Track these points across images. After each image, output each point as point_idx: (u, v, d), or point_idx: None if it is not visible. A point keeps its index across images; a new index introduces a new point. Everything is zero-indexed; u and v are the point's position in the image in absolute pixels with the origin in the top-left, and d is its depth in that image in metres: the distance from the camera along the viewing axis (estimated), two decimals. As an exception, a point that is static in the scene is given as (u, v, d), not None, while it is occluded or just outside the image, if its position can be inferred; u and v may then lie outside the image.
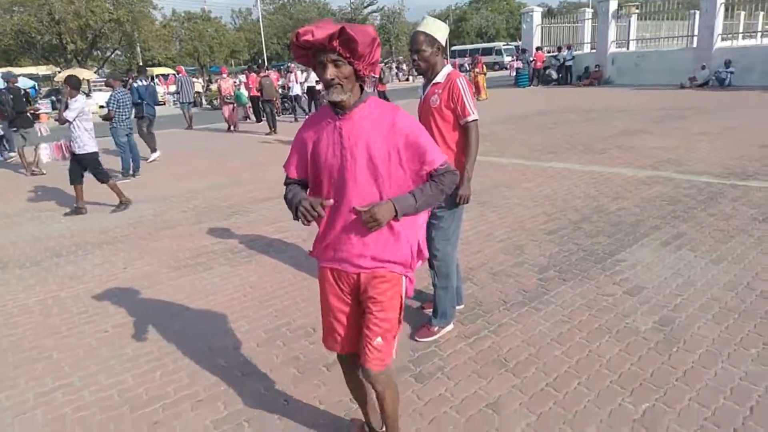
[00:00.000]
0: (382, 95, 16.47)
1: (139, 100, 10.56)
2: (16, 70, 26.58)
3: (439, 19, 3.27)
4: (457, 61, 37.44)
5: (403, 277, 2.10)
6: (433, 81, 3.13)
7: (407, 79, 33.14)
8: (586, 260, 4.39)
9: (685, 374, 2.80)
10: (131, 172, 9.38)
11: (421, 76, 3.25)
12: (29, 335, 3.81)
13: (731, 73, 17.50)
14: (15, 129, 10.52)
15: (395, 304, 2.09)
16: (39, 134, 11.52)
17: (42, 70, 28.19)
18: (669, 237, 4.75)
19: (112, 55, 44.29)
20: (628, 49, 22.23)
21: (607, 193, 6.27)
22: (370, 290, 2.06)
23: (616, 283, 3.93)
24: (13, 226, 6.81)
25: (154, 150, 10.97)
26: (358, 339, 2.12)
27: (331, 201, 2.01)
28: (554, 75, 23.30)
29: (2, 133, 11.40)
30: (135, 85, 10.67)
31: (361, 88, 1.98)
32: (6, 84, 10.77)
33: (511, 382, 2.86)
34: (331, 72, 1.86)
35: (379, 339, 2.05)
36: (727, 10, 19.04)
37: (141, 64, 20.08)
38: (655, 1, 23.21)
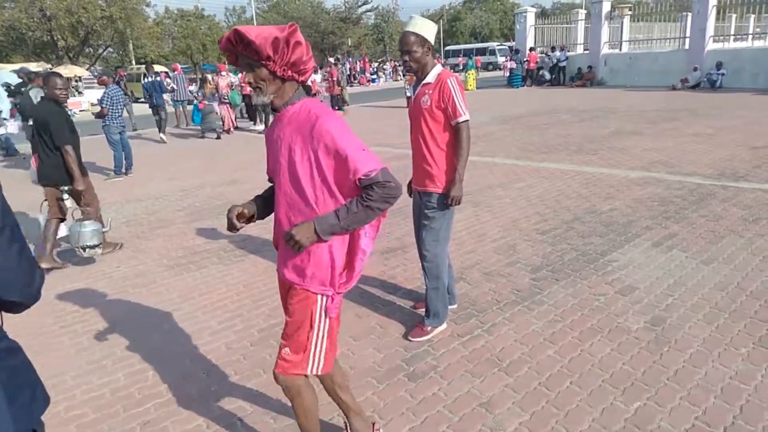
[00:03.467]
0: (338, 99, 16.58)
1: (149, 95, 12.48)
2: (7, 67, 26.37)
3: (432, 19, 3.27)
4: (461, 60, 37.40)
5: (320, 296, 1.98)
6: (424, 81, 3.12)
7: (395, 80, 33.13)
8: (578, 260, 4.42)
9: (676, 374, 2.83)
10: (123, 170, 9.34)
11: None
12: (21, 334, 3.75)
13: (722, 74, 17.63)
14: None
15: (305, 322, 1.99)
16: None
17: (33, 66, 27.94)
18: (660, 237, 4.78)
19: (104, 53, 43.99)
20: (620, 50, 22.35)
21: (599, 193, 6.31)
22: (288, 300, 2.05)
23: (608, 283, 3.96)
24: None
25: (162, 132, 13.08)
26: None
27: (246, 212, 2.03)
28: (547, 75, 23.39)
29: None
30: (144, 81, 11.44)
31: (308, 91, 1.94)
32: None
33: (504, 381, 2.88)
34: (247, 75, 1.86)
35: (287, 350, 2.03)
36: (719, 12, 19.17)
37: (149, 62, 20.00)
38: (648, 3, 23.35)
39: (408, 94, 17.61)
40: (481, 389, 2.83)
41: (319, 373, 2.07)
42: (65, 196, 5.14)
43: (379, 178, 1.83)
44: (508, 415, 2.61)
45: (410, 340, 3.35)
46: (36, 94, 9.61)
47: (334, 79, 16.55)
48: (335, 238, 1.93)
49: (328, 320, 2.02)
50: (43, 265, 4.90)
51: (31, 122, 9.62)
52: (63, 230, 5.26)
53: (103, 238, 5.19)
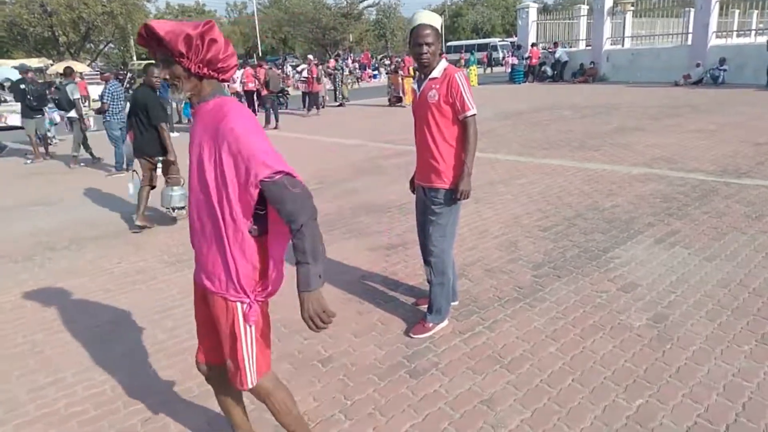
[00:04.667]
0: (314, 96, 16.71)
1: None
2: (8, 63, 26.36)
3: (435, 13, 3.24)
4: (463, 56, 37.19)
5: (238, 304, 1.90)
6: (431, 76, 3.11)
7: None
8: (580, 257, 4.40)
9: (679, 371, 2.82)
10: (125, 165, 9.32)
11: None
12: (22, 330, 3.78)
13: (725, 70, 17.57)
14: (33, 117, 10.88)
15: (228, 332, 1.93)
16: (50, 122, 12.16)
17: (34, 62, 27.92)
18: (663, 234, 4.77)
19: (105, 48, 43.95)
20: (623, 46, 22.28)
21: (601, 190, 6.29)
22: (211, 311, 1.98)
23: (610, 280, 3.95)
24: (6, 220, 6.75)
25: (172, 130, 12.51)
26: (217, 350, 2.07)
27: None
28: (549, 71, 23.32)
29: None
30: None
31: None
32: (28, 75, 11.28)
33: (506, 378, 2.87)
34: (162, 71, 1.81)
35: (229, 362, 1.98)
36: (721, 8, 19.08)
37: (148, 64, 20.14)
38: (651, -1, 23.24)
39: (397, 94, 17.54)
40: (483, 386, 2.82)
41: (256, 382, 2.00)
42: (159, 165, 5.98)
43: (283, 182, 1.73)
44: (510, 412, 2.60)
45: (411, 337, 3.34)
46: (72, 89, 9.82)
47: (314, 76, 16.47)
48: (239, 246, 1.84)
49: (253, 328, 1.95)
50: (138, 223, 5.83)
51: (70, 113, 10.01)
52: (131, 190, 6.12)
53: (184, 203, 5.94)
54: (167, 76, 1.80)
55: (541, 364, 2.97)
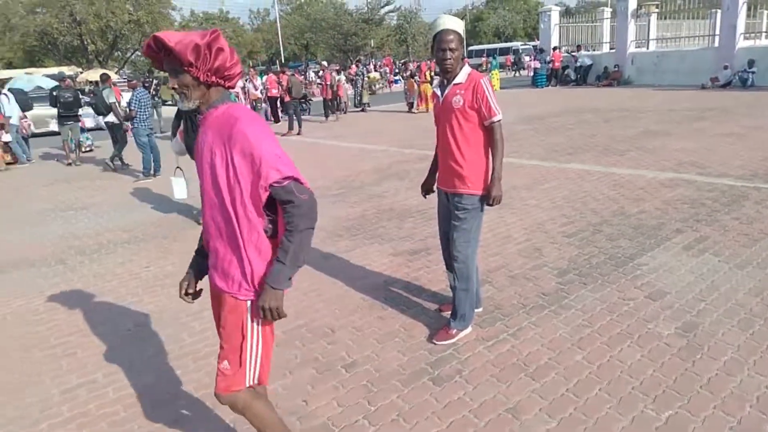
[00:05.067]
0: (332, 103, 16.52)
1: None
2: (39, 71, 27.09)
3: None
4: (485, 60, 37.09)
5: (249, 302, 1.94)
6: (454, 81, 3.11)
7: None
8: (606, 264, 4.35)
9: (709, 382, 2.76)
10: (152, 171, 9.50)
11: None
12: (55, 332, 3.88)
13: (754, 73, 17.18)
14: (64, 124, 11.47)
15: (237, 332, 1.96)
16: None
17: (65, 70, 28.67)
18: (691, 241, 4.68)
19: (132, 56, 44.87)
20: (647, 48, 21.95)
21: (627, 195, 6.20)
22: (220, 311, 2.02)
23: (637, 288, 3.89)
24: (40, 224, 6.94)
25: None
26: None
27: (190, 290, 2.15)
28: (572, 75, 23.11)
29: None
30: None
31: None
32: (61, 82, 12.02)
33: (531, 387, 2.85)
34: (171, 81, 1.86)
35: (225, 363, 2.00)
36: (749, 8, 18.67)
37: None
38: (676, 1, 22.86)
39: (411, 100, 17.51)
40: (508, 394, 2.80)
41: (255, 382, 2.04)
42: None
43: (291, 188, 1.81)
44: (535, 421, 2.58)
45: (435, 344, 3.34)
46: (108, 94, 10.13)
47: (327, 83, 16.51)
48: (254, 245, 1.89)
49: (260, 328, 1.99)
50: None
51: (108, 117, 10.48)
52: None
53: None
54: (176, 86, 1.86)
55: (567, 373, 2.94)
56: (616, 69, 21.73)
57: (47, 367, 3.41)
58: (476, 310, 3.58)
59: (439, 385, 2.93)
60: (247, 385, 2.02)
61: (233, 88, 1.97)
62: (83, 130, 12.64)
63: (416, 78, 17.45)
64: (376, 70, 31.29)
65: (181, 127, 6.04)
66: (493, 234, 5.22)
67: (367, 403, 2.82)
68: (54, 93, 11.51)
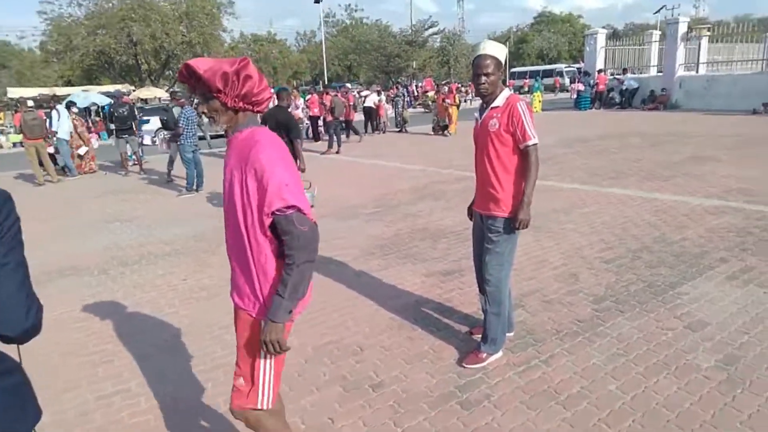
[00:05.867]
0: (338, 125, 15.47)
1: None
2: (95, 88, 28.43)
3: (499, 41, 3.25)
4: (527, 82, 36.85)
5: (262, 322, 1.96)
6: (492, 105, 3.12)
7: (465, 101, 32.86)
8: (645, 291, 4.22)
9: (750, 418, 2.63)
10: (195, 187, 9.79)
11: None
12: (93, 340, 4.02)
13: (810, 98, 16.50)
14: (120, 136, 12.54)
15: (252, 348, 2.01)
16: (141, 141, 14.07)
17: (120, 89, 30.02)
18: (736, 270, 4.50)
19: (183, 75, 46.54)
20: (697, 72, 21.40)
21: (670, 222, 6.02)
22: (237, 324, 2.07)
23: (676, 317, 3.75)
24: (85, 235, 7.23)
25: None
26: None
27: None
28: (617, 98, 22.71)
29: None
30: None
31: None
32: (116, 100, 13.21)
33: (562, 416, 2.77)
34: (201, 106, 1.93)
35: (241, 380, 2.05)
36: (806, 32, 18.03)
37: None
38: (728, 23, 22.27)
39: (441, 123, 17.32)
40: (537, 422, 2.74)
41: (270, 406, 2.05)
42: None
43: (292, 218, 1.83)
44: (564, 451, 2.51)
45: (464, 367, 3.29)
46: (177, 112, 10.57)
47: (351, 104, 16.29)
48: (262, 268, 1.94)
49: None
50: None
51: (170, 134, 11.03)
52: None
53: (313, 203, 6.88)
54: (206, 110, 1.94)
55: (599, 403, 2.85)
56: (664, 92, 21.24)
57: (84, 374, 3.52)
58: (508, 335, 3.52)
59: (467, 409, 2.89)
60: (261, 408, 2.04)
61: (262, 112, 2.04)
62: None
63: (447, 101, 17.17)
64: (417, 91, 31.53)
65: None
66: (529, 257, 5.14)
67: (393, 425, 2.80)
68: (110, 109, 12.17)
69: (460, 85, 34.83)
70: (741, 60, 21.70)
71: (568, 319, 3.85)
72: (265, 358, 2.01)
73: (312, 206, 7.02)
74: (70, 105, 13.35)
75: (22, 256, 1.36)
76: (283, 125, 6.91)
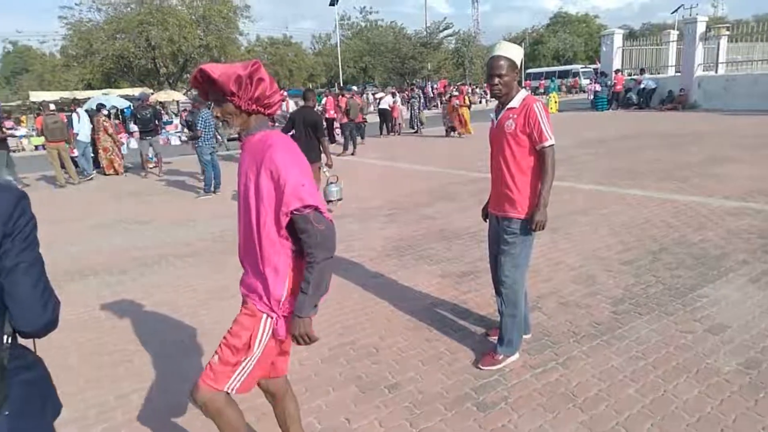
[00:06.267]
0: (355, 127, 15.37)
1: None
2: (114, 92, 28.81)
3: (515, 42, 3.24)
4: (542, 83, 36.64)
5: (265, 316, 2.03)
6: (508, 106, 3.11)
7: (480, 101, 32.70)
8: (664, 294, 4.17)
9: (774, 423, 2.59)
10: (212, 188, 9.88)
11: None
12: (114, 339, 4.07)
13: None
14: (143, 138, 13.00)
15: (243, 334, 2.04)
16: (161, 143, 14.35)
17: (137, 91, 30.42)
18: (758, 273, 4.42)
19: (200, 78, 46.99)
20: (716, 72, 21.09)
21: (689, 223, 5.94)
22: (240, 313, 2.12)
23: (696, 320, 3.70)
24: (106, 236, 7.33)
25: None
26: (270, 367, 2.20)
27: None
28: (635, 98, 22.48)
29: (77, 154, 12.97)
30: None
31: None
32: (140, 102, 13.61)
33: (579, 418, 2.75)
34: (215, 109, 1.97)
35: (216, 357, 2.06)
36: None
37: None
38: (748, 23, 21.92)
39: (450, 124, 17.13)
40: (554, 425, 2.72)
41: (234, 392, 2.08)
42: (324, 168, 7.56)
43: (310, 218, 1.88)
44: (582, 453, 2.49)
45: (480, 369, 3.28)
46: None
47: (344, 109, 15.57)
48: (273, 266, 1.98)
49: (265, 344, 2.05)
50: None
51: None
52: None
53: (340, 196, 7.86)
54: (220, 114, 1.98)
55: (618, 406, 2.83)
56: (682, 93, 20.97)
57: (105, 373, 3.58)
58: (525, 336, 3.51)
59: (483, 411, 2.88)
60: (225, 390, 2.06)
61: (273, 114, 2.09)
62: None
63: (456, 102, 16.82)
64: (433, 93, 31.49)
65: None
66: (546, 259, 5.11)
67: (409, 425, 2.80)
68: (133, 111, 12.41)
69: (475, 87, 34.71)
70: (762, 59, 21.34)
71: (586, 321, 3.82)
72: (254, 351, 2.04)
73: (340, 199, 7.27)
74: (100, 107, 13.60)
75: (38, 254, 1.40)
76: (311, 124, 7.27)
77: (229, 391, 2.07)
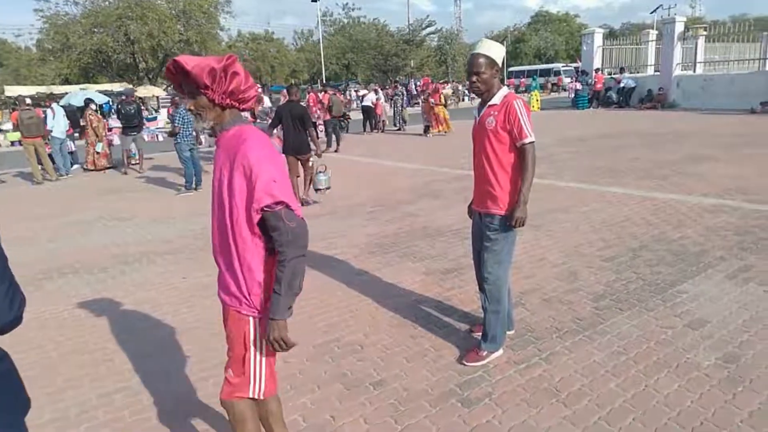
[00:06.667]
0: (336, 123, 15.28)
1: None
2: (93, 87, 28.30)
3: (496, 40, 3.26)
4: (523, 81, 36.85)
5: (251, 318, 2.00)
6: (489, 103, 3.13)
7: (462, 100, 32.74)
8: (644, 290, 4.23)
9: (751, 416, 2.65)
10: (193, 185, 9.77)
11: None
12: (94, 338, 4.01)
13: (808, 97, 16.56)
14: (127, 134, 12.55)
15: (240, 344, 2.03)
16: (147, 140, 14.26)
17: (116, 87, 29.90)
18: (735, 269, 4.52)
19: (180, 74, 46.38)
20: (694, 71, 21.46)
21: (668, 220, 6.04)
22: (226, 319, 2.10)
23: (676, 316, 3.77)
24: (85, 233, 7.21)
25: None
26: None
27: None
28: (615, 97, 22.77)
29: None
30: None
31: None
32: (124, 98, 13.16)
33: (562, 413, 2.78)
34: (189, 102, 1.94)
35: (230, 371, 2.08)
36: (803, 32, 18.08)
37: None
38: (725, 23, 22.32)
39: (427, 123, 17.05)
40: (538, 420, 2.74)
41: (262, 396, 2.08)
42: (314, 158, 7.92)
43: (281, 214, 1.85)
44: (566, 448, 2.52)
45: (465, 365, 3.30)
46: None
47: (326, 105, 15.40)
48: (247, 264, 1.94)
49: (263, 343, 2.03)
50: (302, 197, 7.97)
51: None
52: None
53: (329, 185, 7.92)
54: (192, 107, 1.94)
55: (600, 400, 2.86)
56: (661, 92, 21.29)
57: (85, 372, 3.52)
58: (508, 333, 3.53)
59: (467, 407, 2.90)
60: (251, 396, 2.07)
61: (248, 110, 2.05)
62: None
63: (432, 101, 16.72)
64: (416, 90, 31.45)
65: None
66: (528, 256, 5.15)
67: (394, 422, 2.81)
68: (118, 106, 12.16)
69: (458, 84, 34.77)
70: (738, 59, 21.76)
71: (568, 317, 3.87)
72: (255, 351, 2.03)
73: (329, 188, 7.37)
74: (88, 102, 13.40)
75: (1, 250, 1.38)
76: (298, 117, 7.62)
77: (256, 396, 2.08)
